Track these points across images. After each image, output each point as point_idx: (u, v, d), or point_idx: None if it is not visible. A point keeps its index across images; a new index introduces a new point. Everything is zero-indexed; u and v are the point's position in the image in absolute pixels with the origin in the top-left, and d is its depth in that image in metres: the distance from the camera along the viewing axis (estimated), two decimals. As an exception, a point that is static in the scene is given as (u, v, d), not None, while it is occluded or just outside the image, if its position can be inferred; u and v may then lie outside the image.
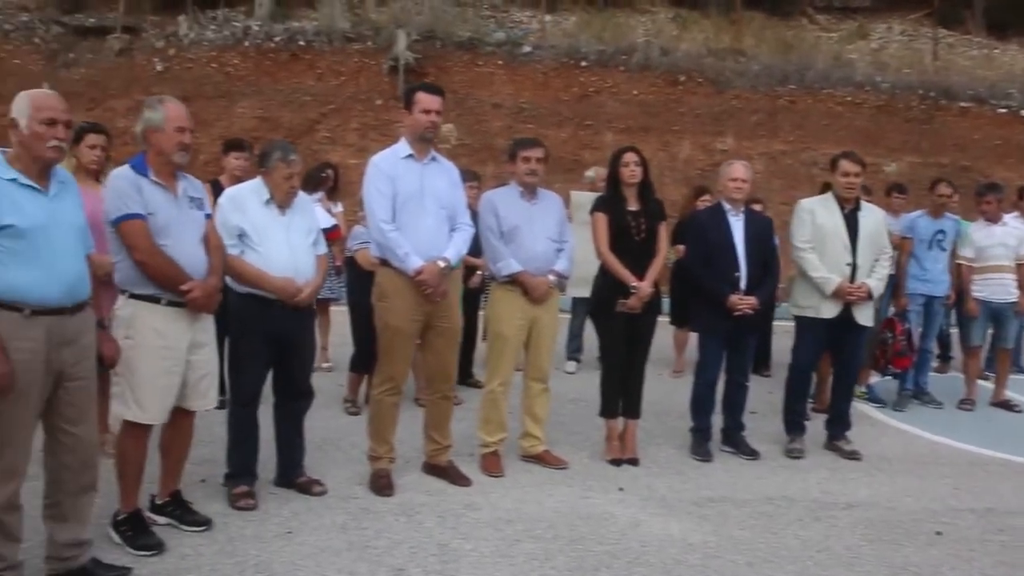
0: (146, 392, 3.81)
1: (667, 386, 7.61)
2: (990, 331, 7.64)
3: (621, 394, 5.56)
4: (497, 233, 5.17)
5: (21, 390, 3.15)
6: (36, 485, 3.48)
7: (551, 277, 5.21)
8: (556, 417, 5.66)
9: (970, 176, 13.72)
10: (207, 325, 4.05)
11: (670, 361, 8.31)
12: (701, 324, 5.91)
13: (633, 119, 14.46)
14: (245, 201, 4.45)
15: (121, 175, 3.82)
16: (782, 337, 8.28)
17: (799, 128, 15.18)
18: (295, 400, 4.70)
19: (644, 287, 5.30)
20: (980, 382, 7.76)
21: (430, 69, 14.14)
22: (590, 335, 8.33)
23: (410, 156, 4.72)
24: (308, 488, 4.63)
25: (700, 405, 5.79)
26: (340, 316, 7.68)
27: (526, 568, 3.89)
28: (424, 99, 4.68)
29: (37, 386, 3.21)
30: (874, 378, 7.37)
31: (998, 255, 7.35)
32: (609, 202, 5.46)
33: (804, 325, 5.89)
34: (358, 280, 6.25)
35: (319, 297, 7.09)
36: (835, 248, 5.71)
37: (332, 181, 7.58)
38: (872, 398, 7.39)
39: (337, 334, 7.81)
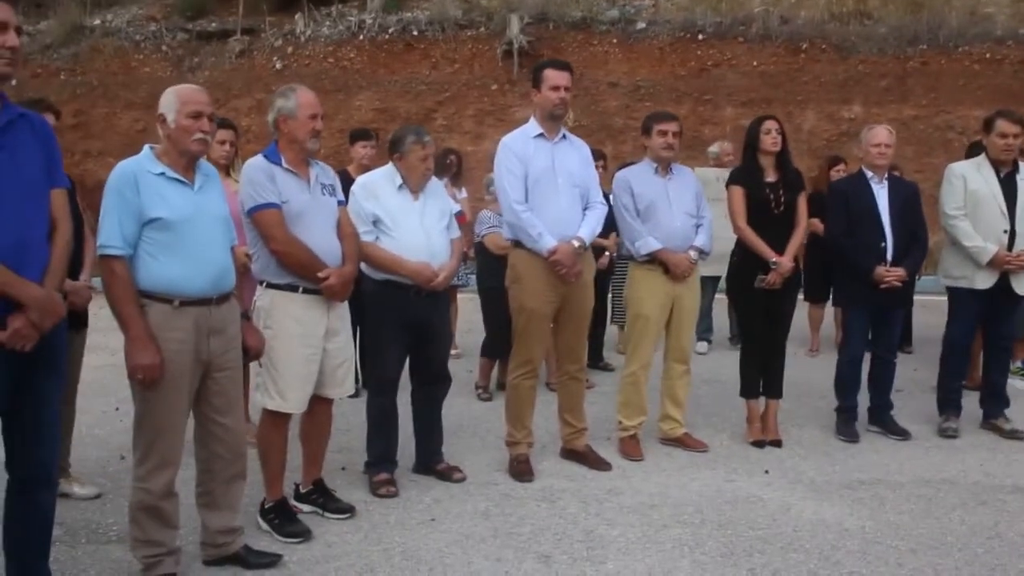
0: (286, 380, 3.84)
1: (805, 365, 7.34)
2: None
3: (761, 374, 5.36)
4: (633, 211, 5.03)
5: (172, 380, 3.21)
6: (191, 474, 3.56)
7: (692, 253, 5.05)
8: (691, 399, 5.50)
9: None
10: (343, 313, 4.05)
11: (805, 340, 8.00)
12: (845, 298, 5.64)
13: (754, 91, 14.00)
14: (378, 188, 4.44)
15: (255, 165, 3.85)
16: (920, 311, 7.88)
17: (932, 91, 14.41)
18: (433, 385, 4.68)
19: (785, 262, 5.09)
20: None
21: (544, 51, 14.01)
22: (719, 315, 8.18)
23: (540, 135, 4.63)
24: (448, 475, 4.61)
25: (845, 383, 5.52)
26: (466, 303, 7.70)
27: (675, 554, 3.75)
28: (552, 75, 4.58)
29: (187, 376, 3.26)
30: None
31: None
32: (746, 174, 5.25)
33: (958, 297, 5.53)
34: (487, 265, 6.23)
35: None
36: (991, 214, 5.33)
37: (456, 167, 7.58)
38: (1030, 373, 6.93)
39: (464, 320, 7.82)
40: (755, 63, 14.43)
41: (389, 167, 4.53)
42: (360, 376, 5.14)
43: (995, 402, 5.63)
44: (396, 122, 13.28)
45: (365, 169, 5.79)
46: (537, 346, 4.72)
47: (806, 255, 7.60)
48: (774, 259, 5.07)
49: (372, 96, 14.57)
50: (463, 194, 7.77)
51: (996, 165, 5.37)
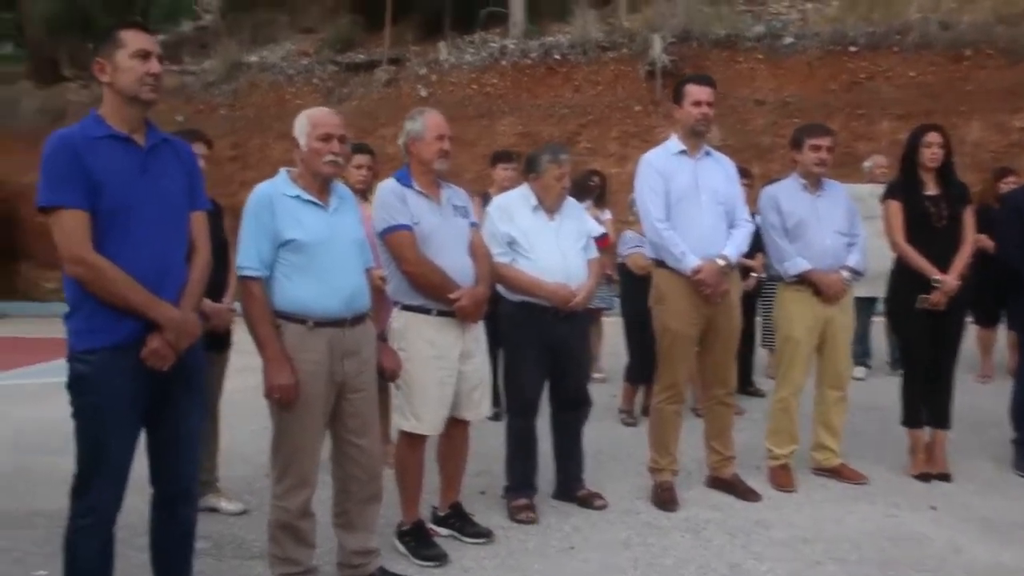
0: (421, 403, 3.82)
1: (975, 392, 6.83)
2: None
3: (926, 401, 4.98)
4: (781, 230, 4.81)
5: (307, 401, 3.23)
6: (327, 493, 3.57)
7: (844, 273, 4.77)
8: (848, 427, 5.15)
9: None
10: (478, 335, 4.02)
11: (974, 365, 7.45)
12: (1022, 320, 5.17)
13: (912, 103, 13.24)
14: (513, 209, 4.40)
15: (387, 187, 3.88)
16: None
17: (1112, 97, 13.28)
18: (573, 409, 4.58)
19: (949, 280, 4.73)
20: None
21: (687, 70, 13.71)
22: (877, 338, 7.73)
23: (682, 152, 4.49)
24: (589, 501, 4.48)
25: (1023, 413, 5.07)
26: (611, 326, 7.56)
27: (831, 594, 3.50)
28: (694, 91, 4.45)
29: (322, 397, 3.28)
30: None
31: None
32: (903, 187, 4.92)
33: None
34: (631, 287, 6.11)
35: (590, 306, 7.04)
36: None
37: (599, 188, 7.50)
38: None
39: (608, 344, 7.69)
40: (912, 73, 13.69)
41: (524, 188, 4.49)
42: (500, 399, 5.09)
43: None
44: (539, 146, 13.26)
45: (507, 191, 5.77)
46: (682, 369, 4.55)
47: (974, 273, 7.10)
48: (937, 277, 4.73)
49: (515, 121, 14.65)
50: (607, 215, 7.66)
51: None
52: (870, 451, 5.34)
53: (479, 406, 4.05)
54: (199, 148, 4.18)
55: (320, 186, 3.35)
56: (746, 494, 4.59)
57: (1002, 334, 7.29)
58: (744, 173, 6.34)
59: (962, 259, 4.82)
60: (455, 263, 3.85)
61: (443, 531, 4.10)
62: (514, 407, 4.49)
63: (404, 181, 3.87)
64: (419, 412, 3.83)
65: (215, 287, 3.83)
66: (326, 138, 3.30)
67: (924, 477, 4.86)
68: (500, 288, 4.34)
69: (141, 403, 2.85)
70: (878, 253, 5.08)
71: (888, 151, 9.31)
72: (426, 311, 3.82)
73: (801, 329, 4.80)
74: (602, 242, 6.88)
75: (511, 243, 4.31)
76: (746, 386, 6.92)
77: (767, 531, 4.15)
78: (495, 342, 4.32)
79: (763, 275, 6.81)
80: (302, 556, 3.38)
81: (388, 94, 15.35)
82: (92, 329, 2.78)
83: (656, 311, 4.54)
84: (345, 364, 3.32)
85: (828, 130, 4.96)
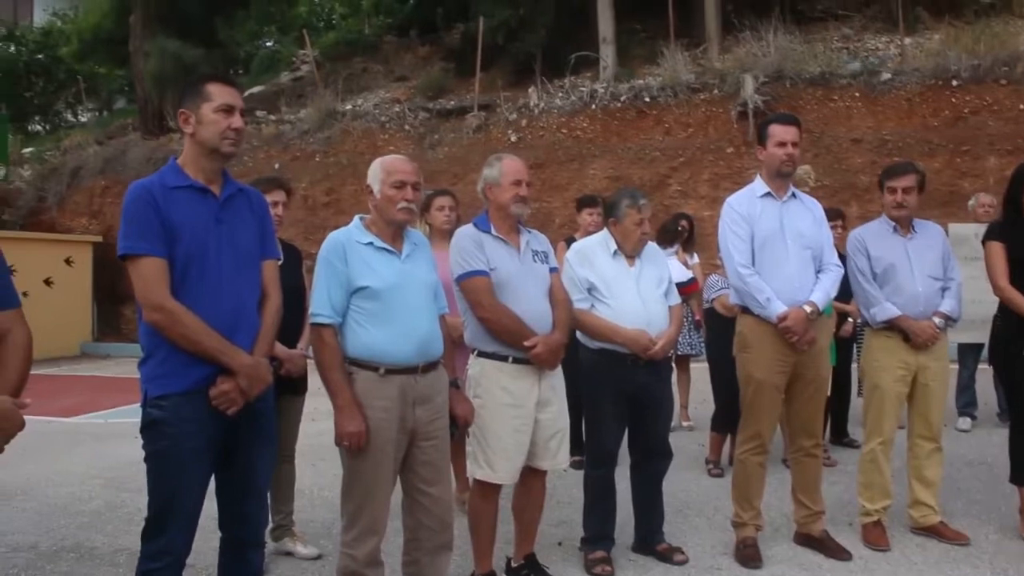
0: (495, 451, 3.76)
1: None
2: None
3: (1038, 457, 4.66)
4: (869, 275, 4.63)
5: (377, 448, 3.21)
6: (397, 541, 3.53)
7: (936, 320, 4.55)
8: (950, 482, 4.87)
9: None
10: (556, 383, 3.94)
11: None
12: None
13: (1021, 138, 12.71)
14: (593, 254, 4.33)
15: (464, 233, 3.87)
16: None
17: None
18: (653, 460, 4.44)
19: (1057, 326, 4.44)
20: None
21: (780, 110, 13.50)
22: (984, 387, 7.33)
23: (768, 194, 4.36)
24: (669, 556, 4.32)
25: None
26: (700, 373, 7.38)
27: (930, 665, 3.27)
28: (778, 131, 4.32)
29: (392, 444, 3.25)
30: None
31: None
32: (1006, 227, 4.67)
33: None
34: (718, 333, 5.94)
35: (678, 352, 6.88)
36: None
37: (687, 232, 7.39)
38: None
39: (697, 391, 7.49)
40: (1022, 106, 13.16)
41: (604, 233, 4.42)
42: (580, 448, 4.98)
43: None
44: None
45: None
46: (767, 419, 4.38)
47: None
48: (1044, 321, 4.45)
49: (605, 164, 14.61)
50: (695, 260, 7.54)
51: None
52: (976, 509, 5.03)
53: (556, 455, 3.96)
54: (278, 195, 4.25)
55: (393, 233, 3.36)
56: (836, 552, 4.35)
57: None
58: (836, 215, 6.16)
59: (1071, 303, 4.53)
60: (533, 309, 3.80)
61: (517, 583, 4.01)
62: (592, 457, 4.38)
63: (482, 226, 3.86)
64: (493, 461, 3.76)
65: (290, 332, 3.87)
66: (400, 185, 3.31)
67: (1035, 539, 4.54)
68: (579, 335, 4.27)
69: (212, 448, 2.87)
70: (983, 298, 4.82)
71: (994, 189, 8.92)
72: (502, 358, 3.78)
73: (888, 377, 4.60)
74: (690, 288, 6.78)
75: (590, 289, 4.24)
76: (841, 436, 6.65)
77: (859, 593, 3.93)
78: (575, 390, 4.24)
79: (860, 320, 6.57)
80: (370, 605, 3.33)
81: (478, 140, 15.51)
82: (165, 375, 2.82)
83: (740, 359, 4.40)
84: (417, 411, 3.30)
85: (910, 168, 4.74)
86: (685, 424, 7.31)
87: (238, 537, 3.06)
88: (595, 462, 4.35)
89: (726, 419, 5.95)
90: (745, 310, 4.35)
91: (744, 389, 4.38)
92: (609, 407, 4.26)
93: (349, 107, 17.09)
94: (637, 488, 4.47)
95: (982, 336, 5.69)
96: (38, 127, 25.49)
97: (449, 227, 4.94)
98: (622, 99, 15.13)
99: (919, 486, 4.69)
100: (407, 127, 16.25)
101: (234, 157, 3.02)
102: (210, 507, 2.97)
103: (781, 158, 4.30)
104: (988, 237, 4.73)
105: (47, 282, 15.04)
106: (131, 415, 8.54)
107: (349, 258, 3.24)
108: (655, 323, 4.23)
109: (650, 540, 4.42)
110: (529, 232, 3.99)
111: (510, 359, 3.77)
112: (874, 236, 4.71)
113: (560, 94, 15.84)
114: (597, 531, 4.31)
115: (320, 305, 3.24)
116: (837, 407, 6.51)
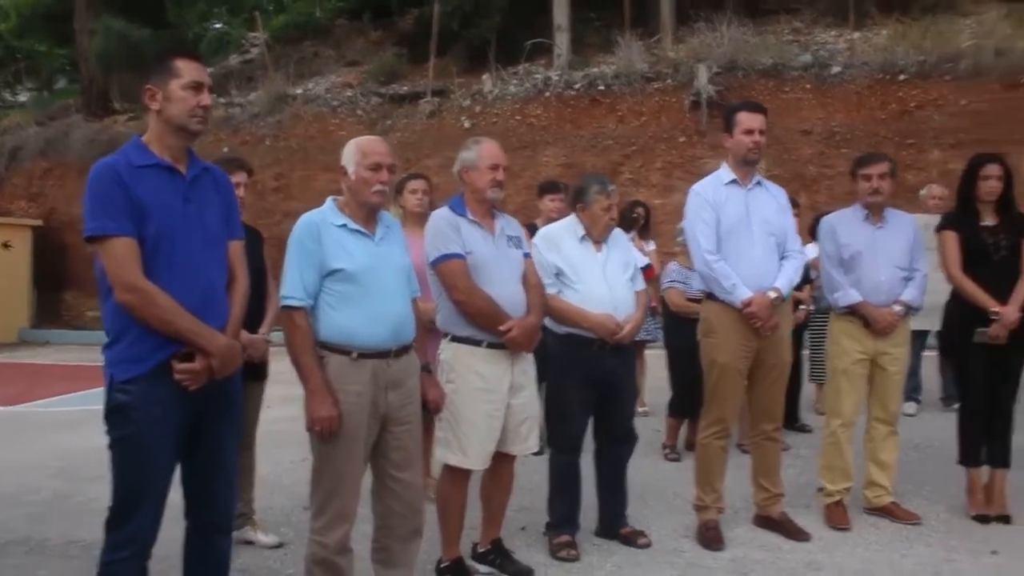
0: (468, 436, 3.74)
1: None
2: None
3: (984, 439, 4.79)
4: (836, 260, 4.72)
5: (349, 433, 3.17)
6: (366, 528, 3.49)
7: (896, 308, 4.64)
8: (899, 465, 4.96)
9: None
10: (527, 367, 3.94)
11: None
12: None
13: (964, 132, 12.99)
14: (560, 239, 4.33)
15: (440, 216, 3.84)
16: None
17: None
18: (617, 445, 4.46)
19: (1009, 313, 4.56)
20: None
21: (733, 100, 13.64)
22: (929, 373, 7.51)
23: (733, 182, 4.40)
24: (632, 539, 4.36)
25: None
26: (655, 359, 7.43)
27: (889, 643, 3.34)
28: (745, 119, 4.36)
29: (364, 429, 3.22)
30: None
31: None
32: (959, 218, 4.79)
33: None
34: (674, 320, 5.98)
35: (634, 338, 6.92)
36: None
37: (643, 219, 7.43)
38: None
39: (652, 377, 7.55)
40: (963, 102, 13.44)
41: (571, 218, 4.42)
42: (544, 433, 4.99)
43: None
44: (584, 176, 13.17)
45: (554, 222, 5.71)
46: (730, 404, 4.43)
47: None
48: (995, 309, 4.56)
49: (559, 152, 14.62)
50: (651, 247, 7.60)
51: None
52: (925, 490, 5.16)
53: (526, 440, 3.96)
54: (240, 176, 4.17)
55: (367, 215, 3.31)
56: (795, 534, 4.43)
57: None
58: (792, 202, 6.23)
59: (1021, 291, 4.65)
60: (507, 293, 3.79)
61: (482, 568, 4.01)
62: (558, 442, 4.39)
63: (458, 210, 3.83)
64: (466, 446, 3.74)
65: (251, 317, 3.80)
66: (375, 167, 3.26)
67: (983, 519, 4.66)
68: (546, 320, 4.26)
69: (180, 432, 2.81)
70: (933, 286, 4.93)
71: (939, 180, 9.12)
72: (476, 342, 3.76)
73: (850, 361, 4.69)
74: (647, 274, 6.81)
75: (558, 274, 4.24)
76: (792, 422, 6.74)
77: (817, 573, 4.00)
78: (540, 376, 4.25)
79: (812, 307, 6.67)
80: (348, 592, 3.29)
81: (431, 126, 15.41)
82: (133, 358, 2.75)
83: (705, 344, 4.44)
84: (389, 396, 3.26)
85: (880, 158, 4.84)
86: (641, 409, 7.34)
87: (206, 522, 3.00)
88: (561, 447, 4.35)
89: (683, 405, 6.02)
90: (710, 296, 4.38)
91: (708, 374, 4.42)
92: (575, 392, 4.27)
93: (300, 91, 16.83)
94: (601, 473, 4.50)
95: (930, 323, 5.84)
96: (-28, 106, 24.73)
97: (421, 211, 4.90)
98: (576, 87, 15.14)
99: (874, 468, 4.80)
100: (359, 112, 16.07)
101: (201, 135, 2.95)
102: (173, 495, 2.90)
103: (748, 145, 4.34)
104: (942, 227, 4.85)
105: (-17, 266, 14.65)
106: (75, 403, 8.46)
107: (323, 240, 3.18)
108: (621, 308, 4.24)
109: (614, 524, 4.45)
110: (503, 217, 3.97)
111: (484, 344, 3.75)
112: (845, 223, 4.79)
113: (514, 81, 15.80)
114: (562, 516, 4.32)
115: (292, 288, 3.17)
116: (788, 393, 6.59)
